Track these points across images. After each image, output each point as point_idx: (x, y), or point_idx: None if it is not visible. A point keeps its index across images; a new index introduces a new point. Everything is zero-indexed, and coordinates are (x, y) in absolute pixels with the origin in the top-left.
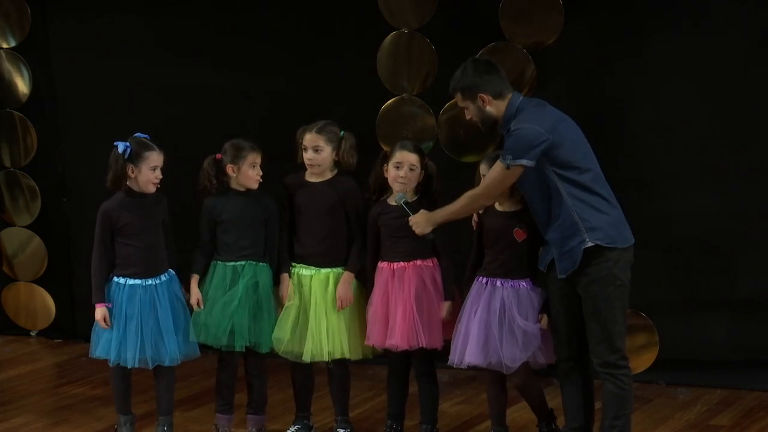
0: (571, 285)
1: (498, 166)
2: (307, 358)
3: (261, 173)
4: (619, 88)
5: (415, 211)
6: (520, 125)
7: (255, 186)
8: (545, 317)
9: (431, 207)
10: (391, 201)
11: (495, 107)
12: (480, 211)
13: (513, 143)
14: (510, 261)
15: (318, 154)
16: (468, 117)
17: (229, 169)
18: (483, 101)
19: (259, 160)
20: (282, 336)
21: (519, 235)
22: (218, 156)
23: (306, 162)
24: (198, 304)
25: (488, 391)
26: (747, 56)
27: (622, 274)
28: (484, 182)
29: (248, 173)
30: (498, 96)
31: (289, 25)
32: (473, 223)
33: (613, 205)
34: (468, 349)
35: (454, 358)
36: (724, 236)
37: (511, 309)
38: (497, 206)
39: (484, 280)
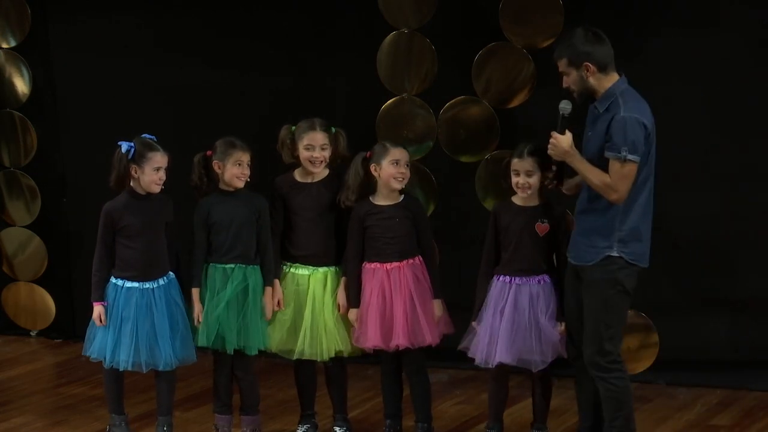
0: (579, 281)
1: (615, 163)
2: (306, 356)
3: (247, 172)
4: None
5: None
6: (628, 114)
7: (240, 185)
8: (563, 325)
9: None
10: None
11: (597, 80)
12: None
13: (623, 135)
14: (531, 257)
15: (325, 152)
16: (565, 85)
17: (216, 165)
18: (587, 71)
19: (246, 158)
20: (276, 335)
21: (541, 229)
22: (208, 153)
23: (312, 160)
24: (199, 318)
25: (491, 387)
26: (747, 56)
27: (627, 280)
28: (614, 180)
29: (232, 171)
30: (603, 69)
31: (289, 25)
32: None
33: (650, 222)
34: (498, 348)
35: (481, 358)
36: (724, 236)
37: (538, 307)
38: (518, 201)
39: (507, 278)
